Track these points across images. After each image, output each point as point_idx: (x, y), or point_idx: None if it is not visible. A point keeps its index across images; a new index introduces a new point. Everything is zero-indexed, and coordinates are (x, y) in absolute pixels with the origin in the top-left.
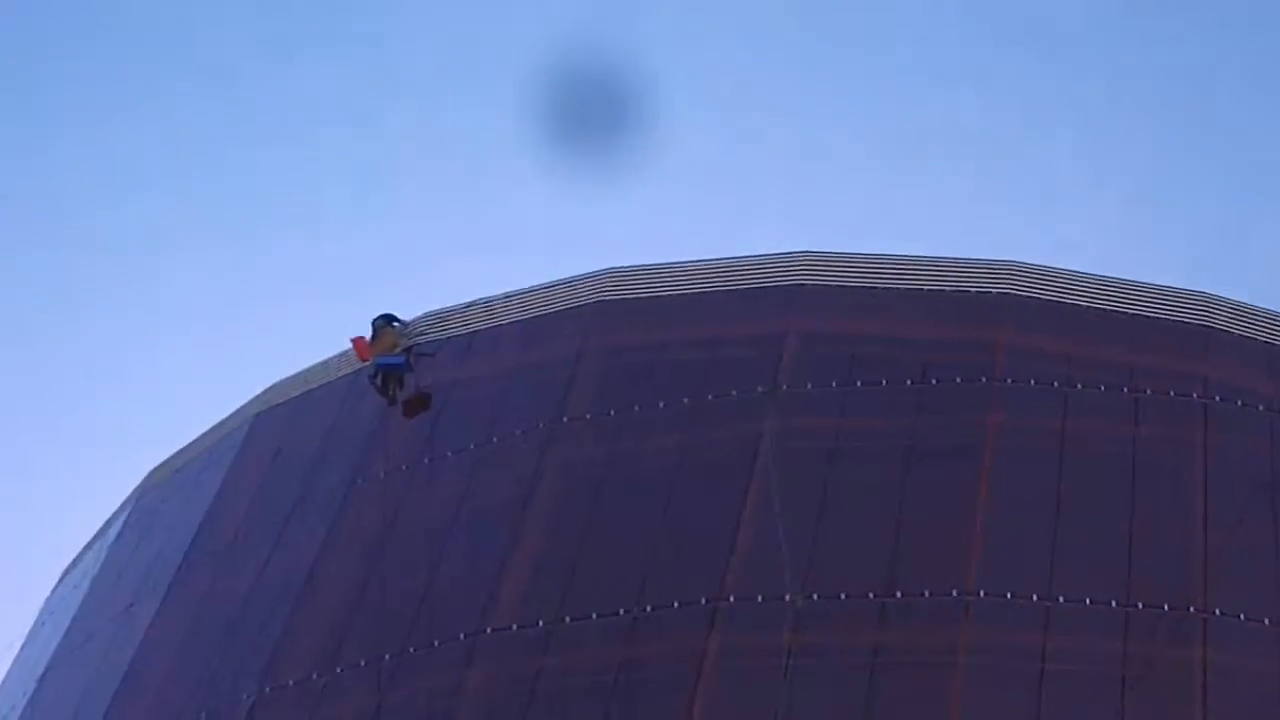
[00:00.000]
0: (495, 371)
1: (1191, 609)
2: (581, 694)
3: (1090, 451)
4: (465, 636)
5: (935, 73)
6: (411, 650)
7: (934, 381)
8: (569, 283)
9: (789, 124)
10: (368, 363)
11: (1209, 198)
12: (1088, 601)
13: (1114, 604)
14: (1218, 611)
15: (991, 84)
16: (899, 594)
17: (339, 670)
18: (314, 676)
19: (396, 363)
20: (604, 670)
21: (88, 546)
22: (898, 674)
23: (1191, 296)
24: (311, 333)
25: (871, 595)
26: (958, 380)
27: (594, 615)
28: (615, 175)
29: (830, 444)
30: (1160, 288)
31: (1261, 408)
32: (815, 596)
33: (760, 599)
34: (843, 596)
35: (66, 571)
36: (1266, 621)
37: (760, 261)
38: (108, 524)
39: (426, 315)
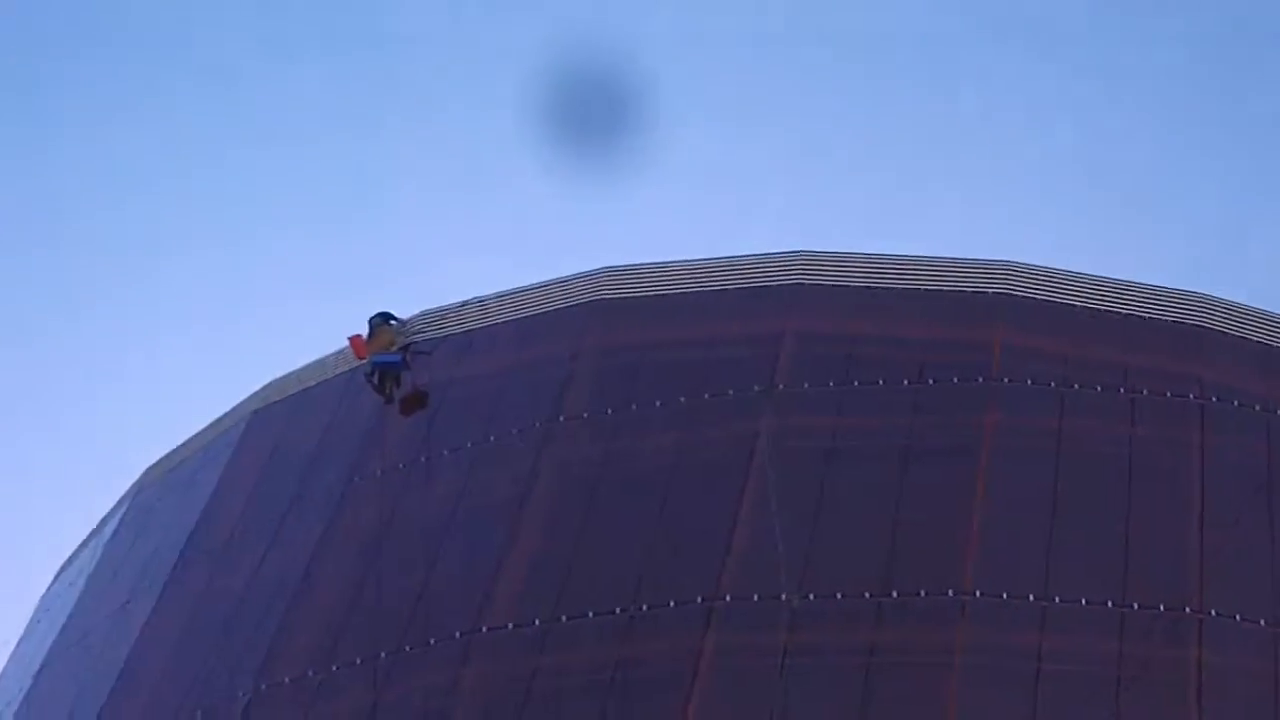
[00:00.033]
0: (492, 370)
1: (1187, 609)
2: (577, 693)
3: (1086, 452)
4: (461, 635)
5: (934, 73)
6: (407, 649)
7: (930, 381)
8: (565, 282)
9: (788, 124)
10: (364, 361)
11: (1205, 198)
12: (1084, 602)
13: (1110, 604)
14: (1213, 612)
15: (990, 85)
16: (895, 594)
17: (335, 668)
18: (310, 674)
19: (393, 361)
20: (600, 669)
21: (84, 543)
22: (894, 674)
23: (1187, 297)
24: (309, 331)
25: (868, 595)
26: (954, 380)
27: (590, 614)
28: (615, 175)
29: (827, 444)
30: (1156, 288)
31: (1257, 408)
32: (811, 596)
33: (756, 598)
34: (839, 596)
35: (63, 568)
36: (1262, 622)
37: (756, 261)
38: (104, 521)
39: (423, 314)
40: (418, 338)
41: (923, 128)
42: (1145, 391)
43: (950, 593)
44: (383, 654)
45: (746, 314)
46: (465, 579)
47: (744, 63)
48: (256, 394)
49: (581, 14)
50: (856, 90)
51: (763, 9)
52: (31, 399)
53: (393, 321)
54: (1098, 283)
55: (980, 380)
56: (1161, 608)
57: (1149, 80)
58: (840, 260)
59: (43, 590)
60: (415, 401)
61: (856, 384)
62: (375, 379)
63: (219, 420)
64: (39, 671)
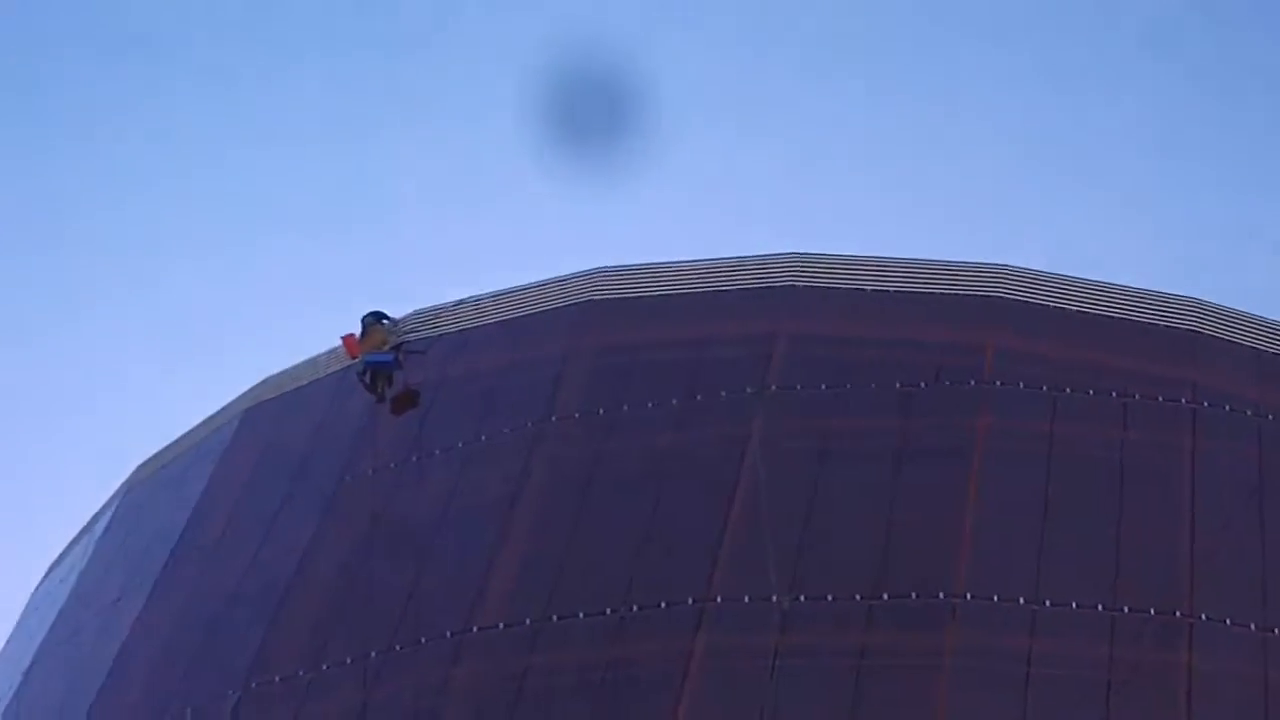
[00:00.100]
0: (484, 370)
1: (1178, 614)
2: (568, 693)
3: (1078, 455)
4: (452, 635)
5: (933, 76)
6: (398, 648)
7: (923, 384)
8: (558, 282)
9: (788, 126)
10: (357, 360)
11: (1202, 201)
12: (1074, 605)
13: (1100, 608)
14: (1204, 616)
15: (989, 86)
16: (886, 596)
17: (325, 667)
18: (300, 673)
19: (385, 360)
20: (590, 669)
21: (75, 540)
22: (884, 676)
23: (1180, 302)
24: (304, 330)
25: (859, 597)
26: (947, 383)
27: (581, 614)
28: (614, 177)
29: (819, 445)
30: (1149, 292)
31: (1249, 413)
32: (802, 598)
33: (747, 600)
34: (830, 598)
35: (54, 565)
36: (1252, 626)
37: (750, 262)
38: (95, 518)
39: (416, 313)
40: (410, 337)
41: (921, 131)
42: (1137, 396)
43: (941, 595)
44: (373, 653)
45: (740, 315)
46: (456, 578)
47: (744, 64)
48: (249, 392)
49: (581, 14)
50: (856, 92)
51: (763, 10)
52: (24, 396)
53: (385, 320)
54: (1091, 286)
55: (973, 383)
56: (1152, 611)
57: (1145, 81)
58: (834, 262)
59: (33, 587)
60: (407, 400)
61: (849, 386)
62: (367, 378)
63: (211, 418)
64: (29, 669)
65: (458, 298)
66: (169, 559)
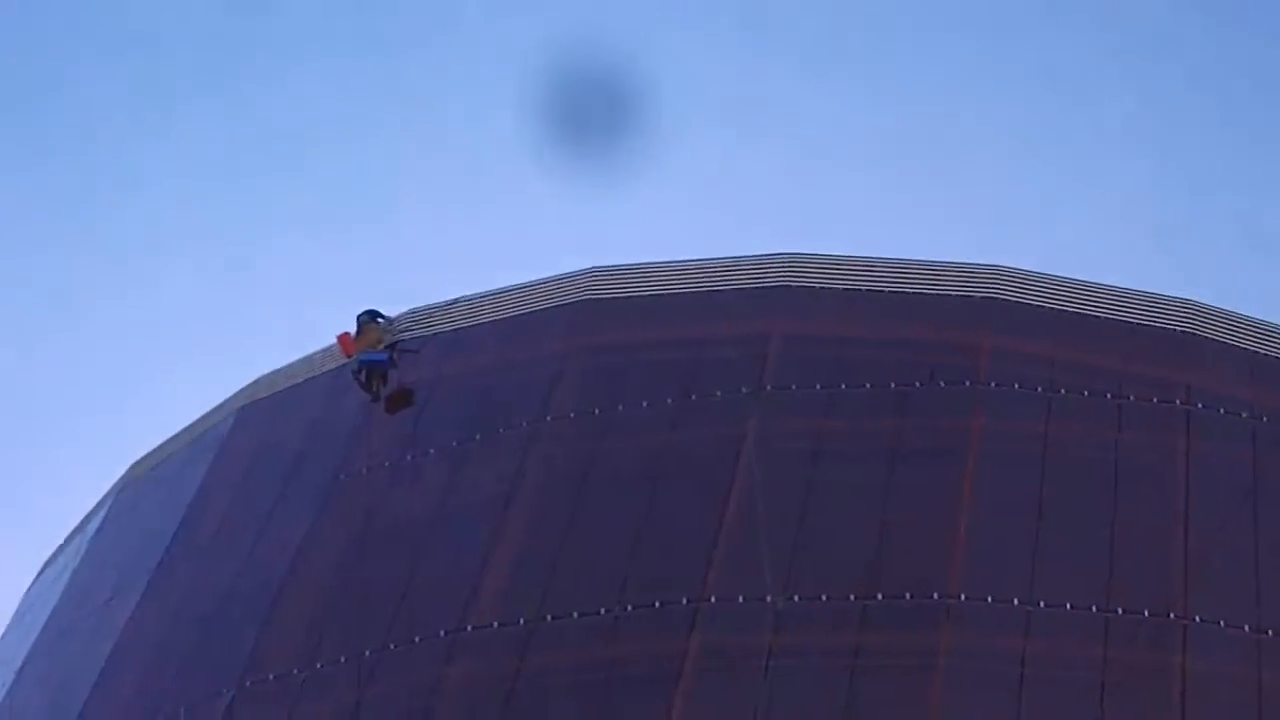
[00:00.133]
0: (479, 369)
1: (1171, 615)
2: (562, 692)
3: (1073, 457)
4: (446, 634)
5: (930, 77)
6: (392, 647)
7: (918, 384)
8: (553, 281)
9: (787, 127)
10: (352, 358)
11: (1196, 203)
12: (1068, 606)
13: (1094, 609)
14: (1197, 618)
15: (984, 87)
16: (880, 596)
17: (319, 666)
18: (294, 672)
19: (380, 359)
20: (584, 669)
21: (68, 539)
22: (878, 676)
23: (1174, 303)
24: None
25: (853, 597)
26: (941, 384)
27: (575, 614)
28: (614, 177)
29: (813, 446)
30: (1144, 294)
31: (1244, 415)
32: (796, 598)
33: (741, 599)
34: (824, 598)
35: (47, 564)
36: (1246, 629)
37: (745, 262)
38: (89, 516)
39: (411, 311)
40: (405, 336)
41: (918, 132)
42: (1132, 397)
43: (935, 596)
44: (367, 652)
45: (734, 315)
46: (451, 577)
47: (743, 64)
48: (243, 390)
49: (581, 15)
50: (853, 93)
51: (762, 10)
52: (20, 394)
53: (380, 319)
54: (1086, 288)
55: (967, 384)
56: (1146, 613)
57: (1140, 81)
58: (828, 263)
59: (26, 585)
60: (402, 399)
61: (844, 386)
62: (362, 377)
63: (205, 416)
64: (22, 668)
65: (452, 297)
66: (163, 557)
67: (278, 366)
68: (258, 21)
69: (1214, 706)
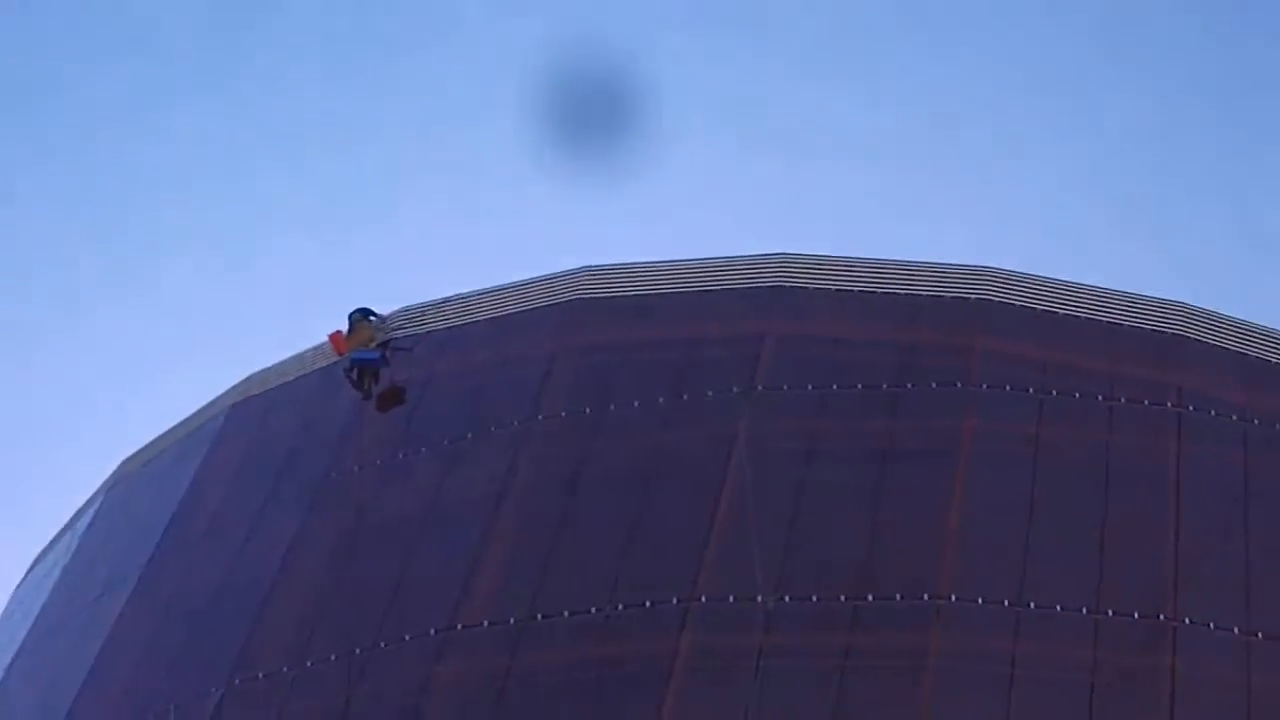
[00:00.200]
0: (470, 367)
1: (1162, 617)
2: (552, 692)
3: (1064, 458)
4: (436, 632)
5: (928, 79)
6: (383, 645)
7: (910, 385)
8: (545, 280)
9: (783, 127)
10: (344, 357)
11: (1188, 205)
12: (1059, 608)
13: (1085, 611)
14: (1188, 620)
15: (980, 90)
16: (871, 597)
17: (309, 664)
18: (284, 670)
19: (372, 358)
20: (575, 668)
21: (59, 535)
22: (868, 676)
23: (1166, 305)
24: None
25: (843, 598)
26: (933, 385)
27: (566, 613)
28: (613, 177)
29: (805, 446)
30: (1136, 296)
31: (1234, 417)
32: (787, 598)
33: (732, 600)
34: (814, 599)
35: (37, 560)
36: (1235, 630)
37: (737, 263)
38: (80, 512)
39: (403, 310)
40: (397, 334)
41: (915, 134)
42: (1123, 399)
43: (926, 597)
44: (357, 650)
45: (727, 315)
46: (441, 576)
47: (741, 65)
48: (236, 387)
49: (580, 15)
50: (849, 95)
51: (760, 11)
52: (15, 390)
53: (372, 318)
54: (1078, 290)
55: (959, 385)
56: (1136, 615)
57: (1133, 84)
58: (821, 263)
59: (16, 583)
60: (393, 398)
61: (835, 387)
62: (354, 375)
63: (197, 413)
64: (11, 664)
65: (445, 295)
66: (153, 554)
67: (269, 364)
68: (258, 21)
69: (1203, 708)
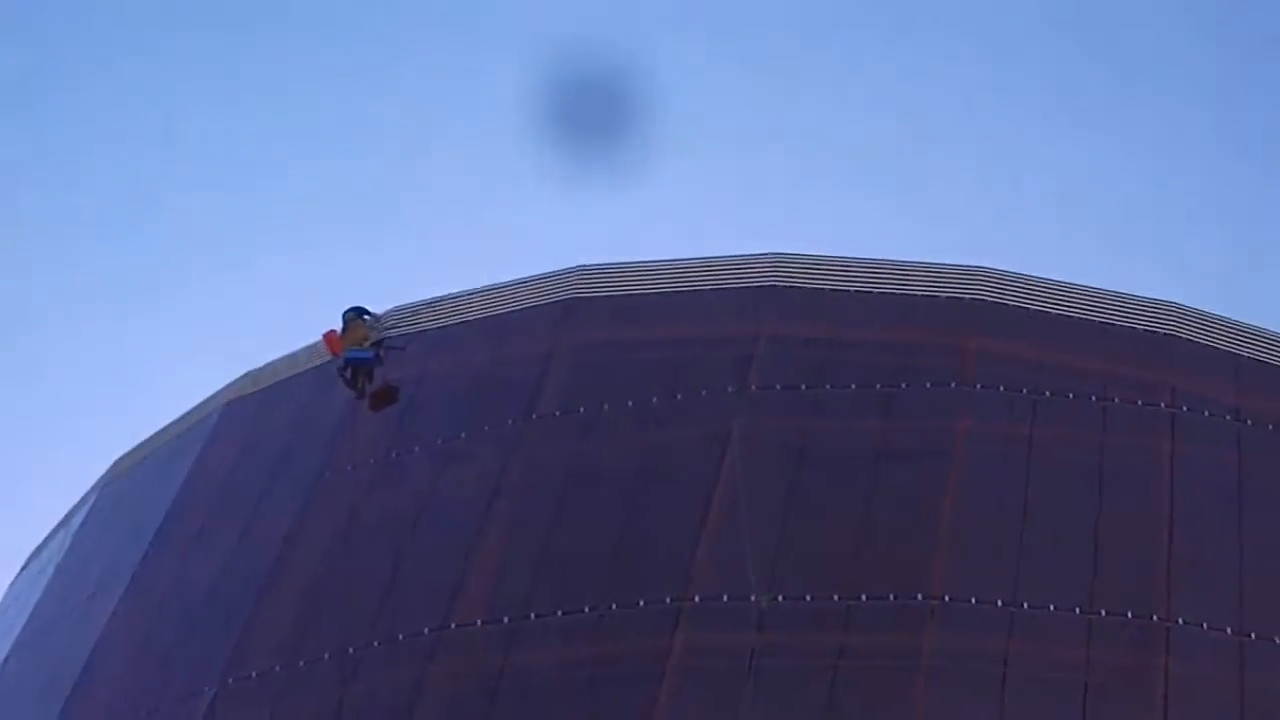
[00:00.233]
0: (464, 367)
1: (1155, 617)
2: (545, 691)
3: (1057, 459)
4: (429, 632)
5: (921, 81)
6: (376, 644)
7: (903, 385)
8: (539, 279)
9: (777, 129)
10: (337, 356)
11: (1180, 205)
12: (1052, 608)
13: (1078, 611)
14: (1181, 620)
15: (975, 91)
16: (864, 597)
17: (302, 663)
18: (277, 668)
19: (366, 357)
20: (568, 667)
21: (53, 533)
22: (861, 676)
23: (1160, 306)
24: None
25: (837, 597)
26: (927, 385)
27: (559, 612)
28: (612, 178)
29: (798, 446)
30: (1130, 296)
31: (1228, 418)
32: (780, 598)
33: (725, 599)
34: (808, 598)
35: (30, 559)
36: (1229, 631)
37: (731, 262)
38: (73, 511)
39: (397, 309)
40: (391, 333)
41: (909, 135)
42: (1117, 399)
43: (919, 597)
44: (351, 649)
45: (720, 315)
46: (434, 575)
47: (739, 66)
48: (229, 386)
49: (580, 15)
50: (845, 96)
51: (759, 13)
52: (11, 387)
53: (367, 316)
54: (1071, 290)
55: (953, 385)
56: (1129, 615)
57: (1127, 85)
58: (814, 263)
59: (9, 581)
60: (387, 397)
61: (829, 387)
62: (348, 374)
63: (190, 411)
64: (4, 661)
65: (438, 295)
66: (146, 553)
67: (263, 363)
68: (258, 21)
69: (1197, 708)
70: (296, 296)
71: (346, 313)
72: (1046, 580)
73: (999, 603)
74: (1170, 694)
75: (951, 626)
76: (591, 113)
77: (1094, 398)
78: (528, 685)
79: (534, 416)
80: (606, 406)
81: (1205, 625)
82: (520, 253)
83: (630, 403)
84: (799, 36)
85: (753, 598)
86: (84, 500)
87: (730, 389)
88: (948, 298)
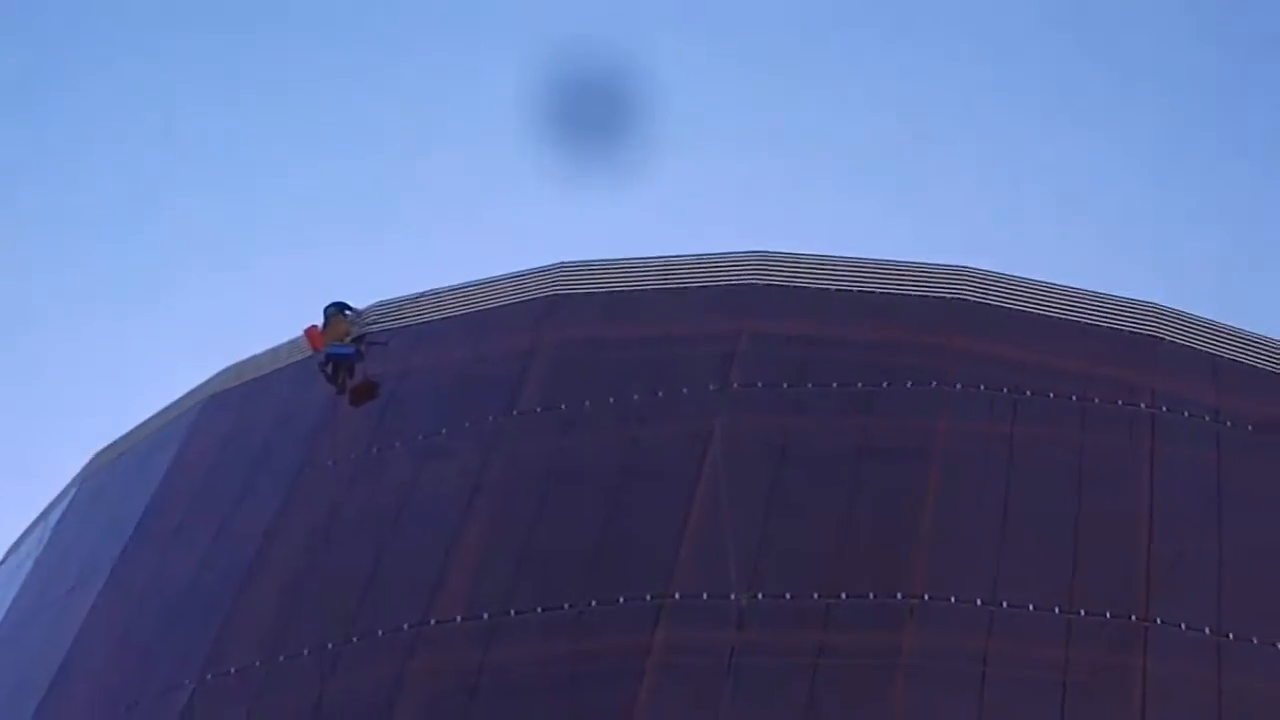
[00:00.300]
0: (445, 363)
1: (1134, 617)
2: (524, 688)
3: (1037, 458)
4: (409, 628)
5: (911, 81)
6: (355, 640)
7: (885, 384)
8: (521, 276)
9: (783, 129)
10: (319, 352)
11: (1164, 206)
12: (1031, 607)
13: (1057, 610)
14: (1159, 620)
15: (964, 93)
16: (844, 595)
17: (281, 659)
18: (256, 664)
19: (347, 353)
20: (548, 664)
21: (31, 527)
22: (841, 674)
23: (1141, 307)
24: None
25: (817, 596)
26: (908, 384)
27: (539, 609)
28: (611, 178)
29: (780, 444)
30: (1110, 297)
31: (1207, 419)
32: (761, 595)
33: (705, 597)
34: (788, 596)
35: (8, 553)
36: (1207, 631)
37: (714, 260)
38: (53, 504)
39: (379, 304)
40: (373, 328)
41: (914, 134)
42: (1097, 400)
43: (899, 595)
44: (330, 645)
45: (703, 313)
46: (414, 572)
47: (742, 64)
48: (209, 381)
49: (579, 16)
50: (841, 97)
51: (758, 14)
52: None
53: (348, 312)
54: (1052, 290)
55: (934, 385)
56: (1108, 615)
57: (1110, 84)
58: (797, 262)
59: None
60: (368, 392)
61: (810, 385)
62: (329, 369)
63: (171, 406)
64: None
65: (420, 290)
66: (126, 547)
67: (245, 357)
68: (258, 21)
69: (1175, 708)
70: (296, 297)
71: (328, 308)
72: (1026, 580)
73: (978, 602)
74: (1148, 694)
75: (931, 625)
76: (591, 113)
77: (1074, 398)
78: (507, 682)
79: (515, 413)
80: (588, 403)
81: (1184, 625)
82: (520, 253)
83: (612, 400)
84: (799, 36)
85: (733, 595)
86: (63, 494)
87: (712, 387)
88: (930, 297)
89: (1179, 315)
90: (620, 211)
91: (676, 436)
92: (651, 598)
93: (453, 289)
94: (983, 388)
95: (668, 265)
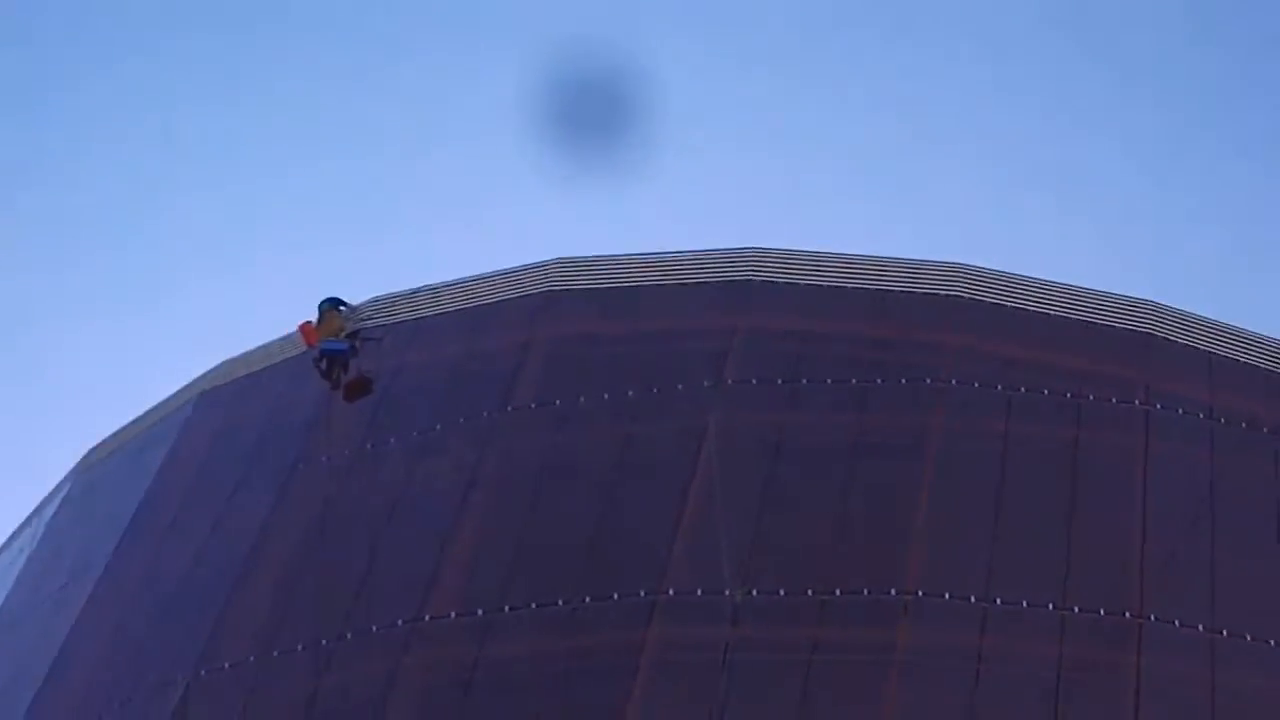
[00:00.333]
0: (440, 358)
1: (1127, 614)
2: (519, 683)
3: (1032, 455)
4: (403, 623)
5: (908, 80)
6: (349, 636)
7: (879, 381)
8: (517, 272)
9: (783, 129)
10: (313, 347)
11: (1159, 204)
12: (1025, 604)
13: (1051, 607)
14: (1153, 617)
15: (961, 91)
16: (838, 591)
17: (276, 654)
18: (250, 660)
19: (341, 349)
20: (542, 660)
21: (25, 523)
22: (835, 671)
23: (1136, 304)
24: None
25: (811, 592)
26: (902, 381)
27: (533, 605)
28: (610, 179)
29: (774, 440)
30: (1105, 294)
31: (1201, 416)
32: (755, 592)
33: (700, 593)
34: (782, 592)
35: (3, 547)
36: (1200, 628)
37: (709, 257)
38: (46, 500)
39: (373, 300)
40: (367, 324)
41: (914, 134)
42: (1091, 397)
43: (893, 592)
44: (324, 640)
45: (697, 309)
46: (408, 567)
47: (742, 64)
48: (204, 376)
49: (578, 16)
50: (839, 97)
51: (757, 15)
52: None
53: (342, 308)
54: (1047, 287)
55: (928, 381)
56: (1102, 611)
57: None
58: (792, 258)
59: None
60: (362, 388)
61: (805, 382)
62: (323, 365)
63: (165, 401)
64: None
65: (416, 286)
66: (120, 543)
67: (239, 353)
68: (258, 21)
69: (1168, 705)
70: (297, 296)
71: (322, 303)
72: (1020, 576)
73: (972, 598)
74: (1142, 690)
75: (925, 622)
76: (591, 112)
77: (1069, 395)
78: (501, 677)
79: (509, 409)
80: (583, 399)
81: (1177, 622)
82: (520, 253)
83: (606, 396)
84: (799, 36)
85: (727, 592)
86: (57, 489)
87: (706, 383)
88: (924, 293)
89: (1174, 313)
90: (620, 211)
91: (671, 432)
92: (646, 594)
93: (447, 285)
94: (977, 384)
95: (662, 261)
